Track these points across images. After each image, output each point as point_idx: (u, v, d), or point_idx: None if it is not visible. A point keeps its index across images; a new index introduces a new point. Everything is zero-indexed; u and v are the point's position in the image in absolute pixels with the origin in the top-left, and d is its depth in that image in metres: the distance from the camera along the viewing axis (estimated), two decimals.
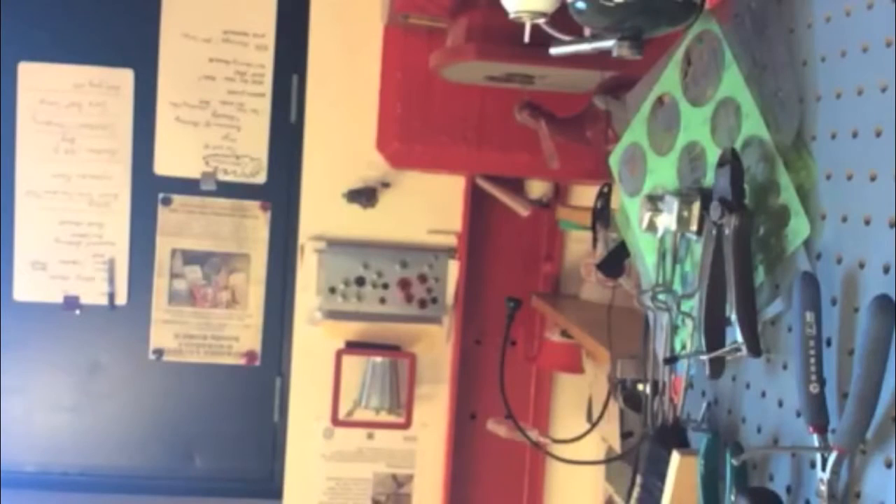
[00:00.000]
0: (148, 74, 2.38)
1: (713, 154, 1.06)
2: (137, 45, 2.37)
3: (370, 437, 2.37)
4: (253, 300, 2.46)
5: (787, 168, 0.95)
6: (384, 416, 2.32)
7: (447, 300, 2.34)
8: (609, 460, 1.92)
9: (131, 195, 2.41)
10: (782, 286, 0.97)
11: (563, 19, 1.10)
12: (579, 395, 2.25)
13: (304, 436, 2.35)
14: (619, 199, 1.29)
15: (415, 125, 2.11)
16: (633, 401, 1.49)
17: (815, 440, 0.84)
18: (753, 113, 1.00)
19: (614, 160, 1.29)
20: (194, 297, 2.44)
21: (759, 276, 0.98)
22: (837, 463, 0.82)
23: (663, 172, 1.17)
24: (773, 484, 0.97)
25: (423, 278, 2.33)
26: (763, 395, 1.00)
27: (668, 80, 1.17)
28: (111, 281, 2.42)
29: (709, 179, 1.06)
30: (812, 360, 0.84)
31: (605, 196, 1.71)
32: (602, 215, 1.72)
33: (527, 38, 1.19)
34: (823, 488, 0.82)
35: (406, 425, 2.31)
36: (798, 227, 0.93)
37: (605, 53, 1.06)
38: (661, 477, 1.09)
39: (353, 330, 2.32)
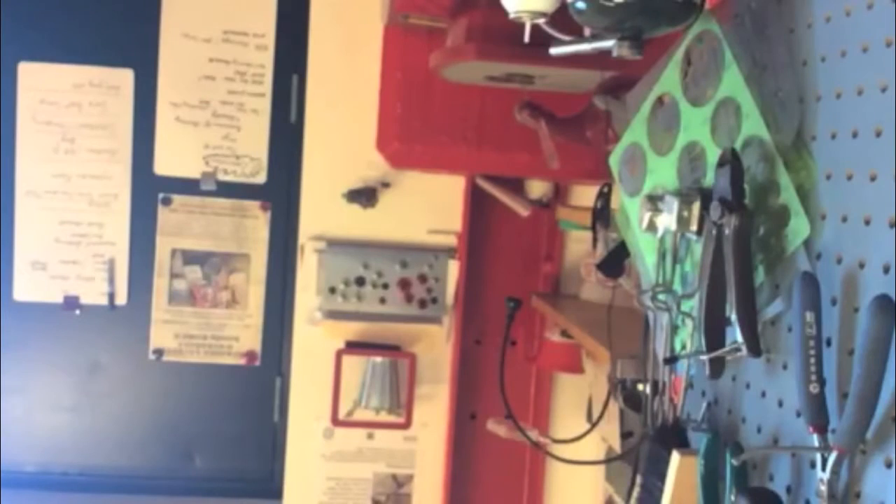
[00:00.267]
0: (148, 74, 2.38)
1: (713, 154, 1.06)
2: (137, 45, 2.37)
3: (370, 437, 2.37)
4: (253, 300, 2.46)
5: (787, 168, 0.95)
6: (384, 416, 2.32)
7: (447, 300, 2.34)
8: (609, 460, 1.92)
9: (131, 195, 2.41)
10: (782, 286, 0.97)
11: (563, 19, 1.10)
12: (579, 395, 2.25)
13: (304, 436, 2.35)
14: (619, 199, 1.29)
15: (415, 125, 2.11)
16: (633, 401, 1.49)
17: (815, 440, 0.84)
18: (753, 113, 1.00)
19: (614, 160, 1.29)
20: (194, 297, 2.44)
21: (759, 276, 0.98)
22: (837, 463, 0.82)
23: (663, 172, 1.17)
24: (773, 484, 0.97)
25: (423, 278, 2.33)
26: (763, 395, 1.00)
27: (668, 80, 1.17)
28: (111, 281, 2.42)
29: (709, 179, 1.06)
30: (812, 360, 0.84)
31: (605, 196, 1.71)
32: (602, 215, 1.72)
33: (527, 38, 1.19)
34: (823, 488, 0.82)
35: (406, 425, 2.31)
36: (798, 227, 0.93)
37: (605, 53, 1.06)
38: (661, 477, 1.09)
39: (353, 330, 2.32)
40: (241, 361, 2.47)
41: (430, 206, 2.33)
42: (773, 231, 0.97)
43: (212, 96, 2.40)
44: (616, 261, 1.47)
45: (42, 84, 2.37)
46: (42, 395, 2.43)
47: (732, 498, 0.97)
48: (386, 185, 2.32)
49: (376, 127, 2.26)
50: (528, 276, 2.39)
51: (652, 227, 1.11)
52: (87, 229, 2.41)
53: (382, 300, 2.32)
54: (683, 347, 1.11)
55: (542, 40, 1.18)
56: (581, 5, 1.00)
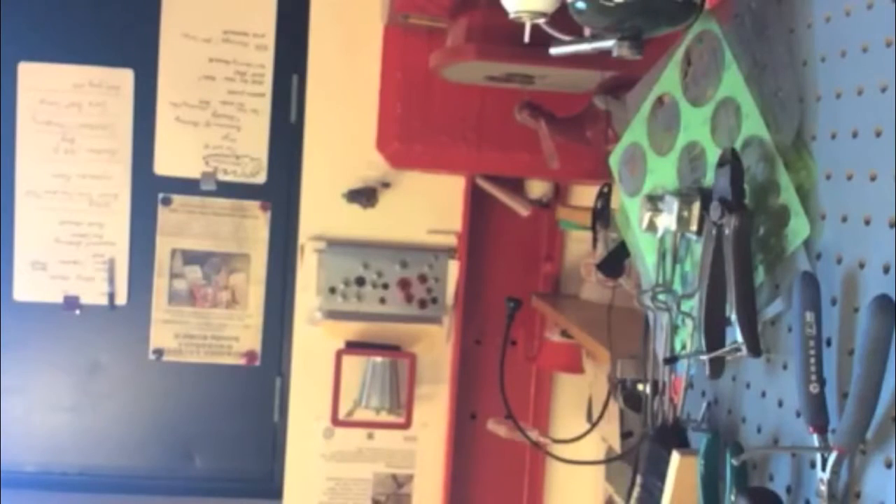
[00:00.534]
0: (148, 74, 2.38)
1: (713, 154, 1.06)
2: (137, 45, 2.37)
3: (370, 437, 2.37)
4: (253, 300, 2.46)
5: (787, 168, 0.95)
6: (384, 417, 2.32)
7: (447, 300, 2.34)
8: (609, 460, 1.92)
9: (131, 195, 2.41)
10: (782, 286, 0.97)
11: (563, 19, 1.10)
12: (579, 395, 2.25)
13: (304, 436, 2.35)
14: (619, 199, 1.29)
15: (415, 125, 2.11)
16: (633, 401, 1.49)
17: (815, 440, 0.84)
18: (753, 113, 1.00)
19: (614, 160, 1.29)
20: (194, 297, 2.44)
21: (759, 276, 0.98)
22: (837, 463, 0.82)
23: (663, 172, 1.17)
24: (773, 484, 0.97)
25: (423, 278, 2.33)
26: (763, 395, 1.00)
27: (668, 80, 1.17)
28: (111, 281, 2.42)
29: (709, 179, 1.06)
30: (812, 360, 0.84)
31: (605, 196, 1.71)
32: (602, 215, 1.73)
33: (527, 38, 1.19)
34: (823, 488, 0.82)
35: (406, 425, 2.31)
36: (798, 227, 0.93)
37: (605, 53, 1.06)
38: (661, 477, 1.09)
39: (353, 330, 2.32)
40: (241, 361, 2.47)
41: (430, 206, 2.33)
42: (773, 231, 0.97)
43: (212, 96, 2.40)
44: (616, 261, 1.47)
45: (42, 84, 2.37)
46: (42, 395, 2.43)
47: (732, 498, 0.98)
48: (386, 185, 2.32)
49: (376, 127, 2.26)
50: (528, 276, 2.39)
51: (652, 227, 1.11)
52: (87, 229, 2.41)
53: (382, 300, 2.32)
54: (683, 347, 1.11)
55: (542, 40, 1.18)
56: (581, 5, 1.00)
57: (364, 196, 2.29)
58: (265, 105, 2.42)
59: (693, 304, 1.06)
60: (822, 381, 0.84)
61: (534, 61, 1.63)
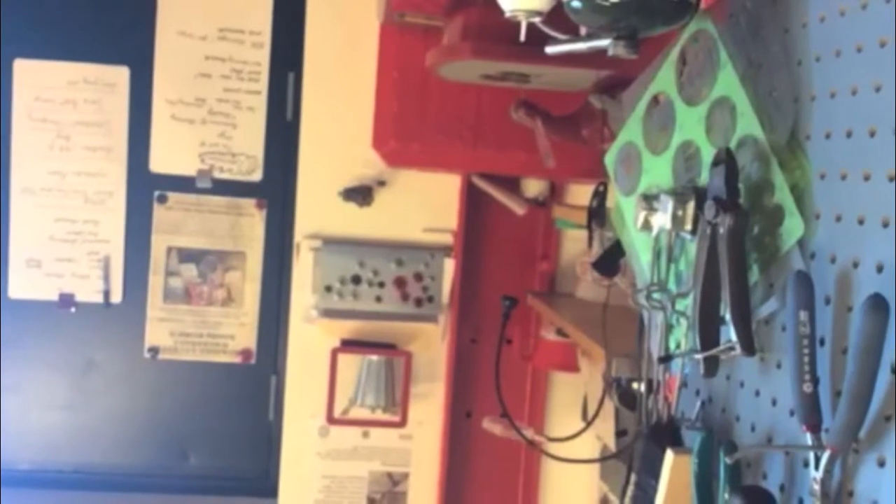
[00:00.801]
0: (144, 72, 2.37)
1: (708, 153, 1.06)
2: (133, 43, 2.37)
3: (365, 435, 2.37)
4: (248, 298, 2.46)
5: (781, 167, 0.95)
6: (379, 415, 2.32)
7: (443, 299, 2.34)
8: (604, 459, 1.92)
9: (127, 193, 2.41)
10: (776, 285, 0.97)
11: (558, 18, 1.10)
12: (574, 394, 2.25)
13: (300, 434, 2.35)
14: (614, 197, 1.29)
15: (411, 123, 2.11)
16: (627, 399, 1.50)
17: (809, 439, 0.84)
18: (748, 112, 1.00)
19: (610, 159, 1.29)
20: (190, 295, 2.44)
21: (754, 275, 0.98)
22: (830, 462, 0.82)
23: (658, 171, 1.17)
24: (767, 482, 0.97)
25: (418, 277, 2.33)
26: (757, 393, 1.01)
27: (664, 79, 1.17)
28: (106, 279, 2.41)
29: (703, 179, 1.06)
30: (806, 359, 0.84)
31: (600, 195, 1.71)
32: (597, 214, 1.73)
33: (523, 37, 1.19)
34: (816, 487, 0.83)
35: (401, 423, 2.31)
36: (792, 227, 0.94)
37: (601, 52, 1.06)
38: (656, 475, 1.09)
39: (348, 328, 2.32)
40: (237, 359, 2.47)
41: (426, 205, 2.33)
42: (768, 230, 0.97)
43: (208, 94, 2.40)
44: (611, 259, 1.47)
45: (37, 81, 2.36)
46: (37, 393, 2.42)
47: (726, 496, 0.98)
48: (382, 183, 2.32)
49: (372, 125, 2.26)
50: (523, 274, 2.39)
51: (647, 226, 1.11)
52: (83, 227, 2.40)
53: (378, 298, 2.32)
54: (678, 346, 1.11)
55: (538, 39, 1.18)
56: (577, 4, 1.00)
57: (360, 194, 2.29)
58: (261, 103, 2.42)
59: (688, 303, 1.06)
60: (815, 380, 0.84)
61: (530, 60, 1.63)
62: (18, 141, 2.37)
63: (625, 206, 1.24)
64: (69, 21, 2.37)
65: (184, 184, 2.41)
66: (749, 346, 0.92)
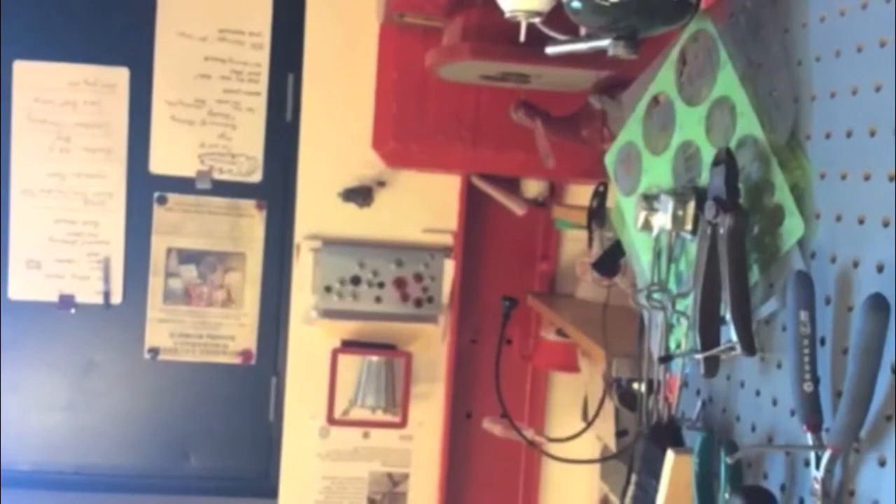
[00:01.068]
0: (143, 73, 2.37)
1: (708, 153, 1.06)
2: (133, 44, 2.37)
3: (366, 436, 2.37)
4: (248, 299, 2.46)
5: (781, 167, 0.95)
6: (380, 415, 2.32)
7: (443, 299, 2.34)
8: (604, 459, 1.92)
9: (126, 194, 2.41)
10: (777, 285, 0.97)
11: (558, 18, 1.10)
12: (575, 394, 2.25)
13: (300, 435, 2.35)
14: (614, 198, 1.29)
15: (411, 124, 2.11)
16: (628, 399, 1.50)
17: (809, 439, 0.84)
18: (748, 112, 1.00)
19: (610, 159, 1.29)
20: (190, 296, 2.44)
21: (754, 275, 0.98)
22: (831, 461, 0.82)
23: (658, 172, 1.17)
24: (768, 482, 0.97)
25: (418, 277, 2.33)
26: (757, 393, 1.01)
27: (664, 79, 1.17)
28: (106, 280, 2.41)
29: (704, 179, 1.06)
30: (806, 359, 0.84)
31: (600, 195, 1.72)
32: (597, 214, 1.73)
33: (522, 38, 1.19)
34: (817, 487, 0.83)
35: (402, 424, 2.31)
36: (792, 227, 0.94)
37: (601, 53, 1.06)
38: (656, 475, 1.09)
39: (348, 329, 2.32)
40: (237, 360, 2.47)
41: (425, 205, 2.33)
42: (768, 230, 0.97)
43: (207, 95, 2.40)
44: (611, 260, 1.47)
45: (37, 82, 2.36)
46: (37, 394, 2.42)
47: (727, 496, 0.98)
48: (382, 184, 2.32)
49: (372, 126, 2.26)
50: (523, 275, 2.39)
51: (647, 226, 1.11)
52: (83, 228, 2.40)
53: (378, 299, 2.32)
54: (678, 346, 1.11)
55: (537, 40, 1.18)
56: (577, 4, 1.00)
57: (360, 195, 2.29)
58: (261, 104, 2.42)
59: (688, 303, 1.06)
60: (816, 380, 0.84)
61: (529, 60, 1.63)
62: (18, 142, 2.37)
63: (625, 207, 1.24)
64: (69, 22, 2.37)
65: (183, 185, 2.41)
66: (749, 346, 0.92)
